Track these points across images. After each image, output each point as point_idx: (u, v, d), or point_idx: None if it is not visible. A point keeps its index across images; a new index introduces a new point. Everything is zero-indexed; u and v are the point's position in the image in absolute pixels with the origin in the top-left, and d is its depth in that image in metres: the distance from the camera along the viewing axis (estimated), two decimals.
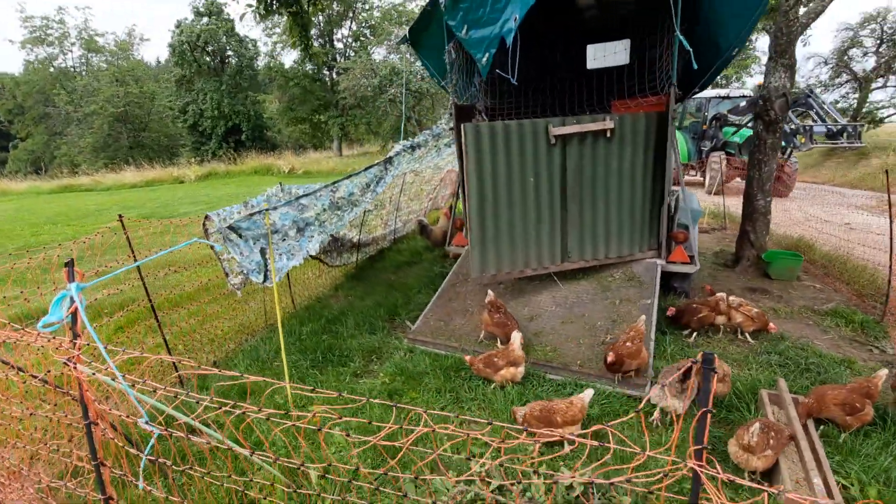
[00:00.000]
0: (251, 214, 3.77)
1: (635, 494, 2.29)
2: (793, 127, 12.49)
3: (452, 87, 5.86)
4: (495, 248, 5.29)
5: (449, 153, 7.10)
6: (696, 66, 4.37)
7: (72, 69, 43.30)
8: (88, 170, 33.42)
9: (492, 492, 2.79)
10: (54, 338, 2.04)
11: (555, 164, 5.12)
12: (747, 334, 4.88)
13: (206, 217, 3.95)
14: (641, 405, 1.36)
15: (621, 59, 5.89)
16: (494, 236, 5.24)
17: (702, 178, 15.36)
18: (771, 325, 4.77)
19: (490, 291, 4.97)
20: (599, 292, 5.25)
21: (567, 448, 3.34)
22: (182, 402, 1.79)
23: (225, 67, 38.43)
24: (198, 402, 1.58)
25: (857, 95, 22.87)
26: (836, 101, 22.91)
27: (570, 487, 2.66)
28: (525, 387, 4.12)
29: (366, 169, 4.93)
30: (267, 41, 43.51)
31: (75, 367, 1.83)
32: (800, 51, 6.59)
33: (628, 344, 3.98)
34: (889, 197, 5.11)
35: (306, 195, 4.23)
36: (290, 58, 42.72)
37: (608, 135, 5.04)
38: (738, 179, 14.64)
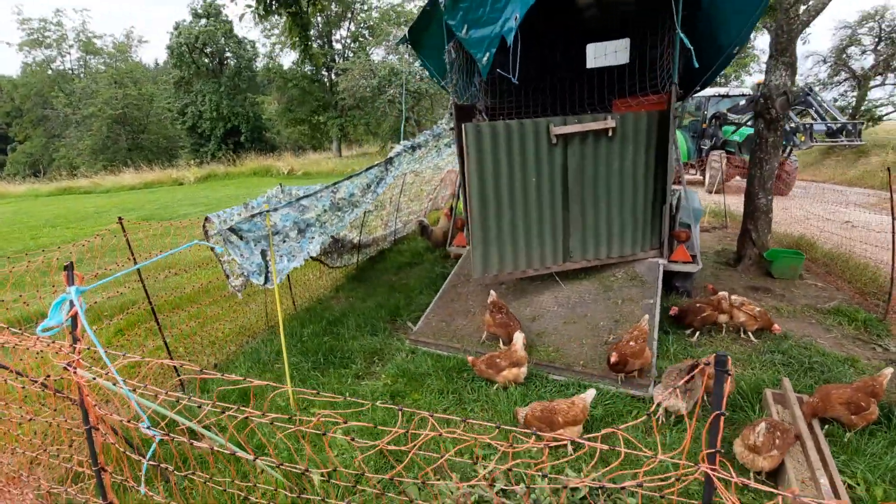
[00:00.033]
0: (252, 216, 3.75)
1: (645, 498, 2.27)
2: (793, 125, 12.48)
3: (452, 86, 5.83)
4: (497, 249, 5.27)
5: (449, 153, 7.08)
6: (697, 65, 4.36)
7: (70, 71, 43.25)
8: (87, 172, 33.37)
9: (497, 493, 2.77)
10: (54, 342, 2.02)
11: (556, 163, 5.10)
12: (750, 333, 4.86)
13: (207, 219, 3.93)
14: (653, 408, 1.34)
15: (621, 58, 5.87)
16: (496, 236, 5.22)
17: (702, 177, 15.36)
18: (775, 325, 4.75)
19: (492, 292, 4.95)
20: (601, 292, 5.23)
21: (570, 449, 3.32)
22: (184, 406, 1.77)
23: (223, 69, 38.40)
24: (200, 407, 1.56)
25: (855, 93, 22.87)
26: (835, 100, 22.93)
27: (575, 489, 2.64)
28: (528, 388, 4.10)
29: (366, 170, 4.91)
30: (265, 42, 43.52)
31: (75, 372, 1.80)
32: (799, 49, 6.61)
33: (632, 343, 3.96)
34: (892, 195, 5.09)
35: (307, 196, 4.21)
36: (288, 59, 42.70)
37: (609, 134, 5.02)
38: (738, 178, 14.64)
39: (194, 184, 26.85)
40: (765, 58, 6.24)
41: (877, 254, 6.28)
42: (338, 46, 37.60)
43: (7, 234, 13.46)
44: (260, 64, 39.66)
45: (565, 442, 1.20)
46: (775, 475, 3.03)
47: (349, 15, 36.91)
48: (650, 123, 5.09)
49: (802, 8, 5.99)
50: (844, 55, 22.67)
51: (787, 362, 4.35)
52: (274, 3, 7.68)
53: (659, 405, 3.49)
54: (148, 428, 1.83)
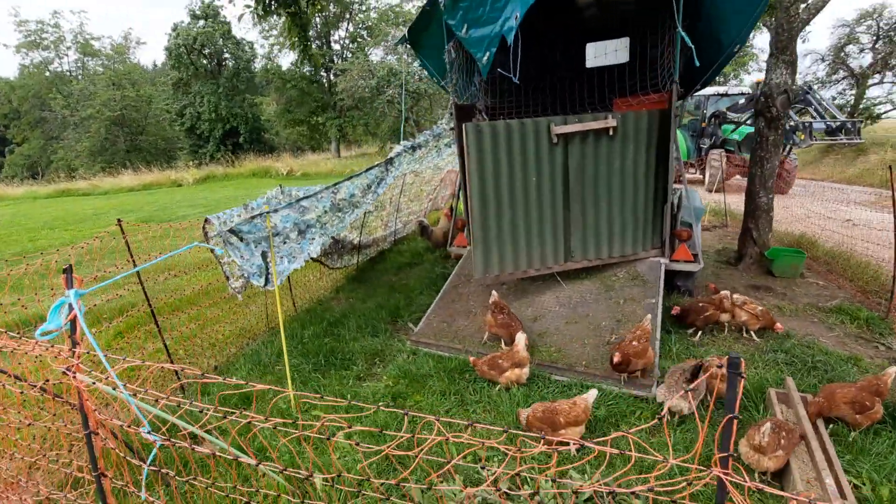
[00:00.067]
0: (252, 217, 3.73)
1: (655, 502, 2.24)
2: (792, 124, 12.48)
3: (452, 86, 5.81)
4: (498, 249, 5.25)
5: (449, 153, 7.06)
6: (698, 64, 4.34)
7: (68, 73, 43.19)
8: (85, 174, 33.28)
9: (501, 495, 2.75)
10: (53, 346, 1.99)
11: (557, 163, 5.09)
12: (752, 332, 4.84)
13: (206, 220, 3.91)
14: (664, 412, 1.32)
15: (621, 57, 5.85)
16: (497, 236, 5.20)
17: (701, 176, 15.35)
18: (777, 324, 4.73)
19: (494, 292, 4.93)
20: (603, 292, 5.21)
21: (573, 449, 3.30)
22: (185, 411, 1.75)
23: (222, 70, 38.35)
24: (202, 412, 1.54)
25: (853, 92, 22.90)
26: (834, 98, 22.95)
27: (579, 491, 2.62)
28: (530, 388, 4.07)
29: (367, 170, 4.89)
30: (264, 43, 43.41)
31: (74, 377, 1.78)
32: (798, 47, 6.62)
33: (634, 343, 3.94)
34: (893, 193, 5.08)
35: (307, 197, 4.18)
36: (287, 60, 42.69)
37: (610, 133, 5.00)
38: (738, 177, 14.63)
39: (193, 185, 26.81)
40: (764, 56, 6.23)
41: (878, 252, 6.26)
42: (336, 47, 37.58)
43: (5, 237, 13.42)
44: (258, 65, 39.62)
45: (576, 446, 1.17)
46: (780, 475, 3.01)
47: (347, 15, 36.88)
48: (651, 122, 5.08)
49: (802, 6, 5.98)
50: (843, 53, 22.70)
51: (790, 361, 4.33)
52: (273, 3, 7.65)
53: (668, 408, 3.45)
54: (149, 433, 1.81)
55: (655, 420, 1.30)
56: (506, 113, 7.05)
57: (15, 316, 4.55)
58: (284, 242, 4.04)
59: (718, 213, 10.66)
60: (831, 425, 3.38)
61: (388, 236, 8.93)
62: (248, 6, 7.66)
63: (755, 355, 4.51)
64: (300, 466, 3.14)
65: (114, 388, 1.81)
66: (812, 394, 3.63)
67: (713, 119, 14.98)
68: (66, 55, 43.04)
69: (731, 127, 14.30)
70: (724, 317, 4.88)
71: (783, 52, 6.14)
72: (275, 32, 35.76)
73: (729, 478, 1.05)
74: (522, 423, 3.47)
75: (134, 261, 4.01)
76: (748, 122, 13.49)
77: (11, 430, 2.60)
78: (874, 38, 21.48)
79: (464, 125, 4.85)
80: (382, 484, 2.56)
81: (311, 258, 5.15)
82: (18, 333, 2.60)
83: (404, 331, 5.55)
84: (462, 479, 2.96)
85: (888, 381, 3.35)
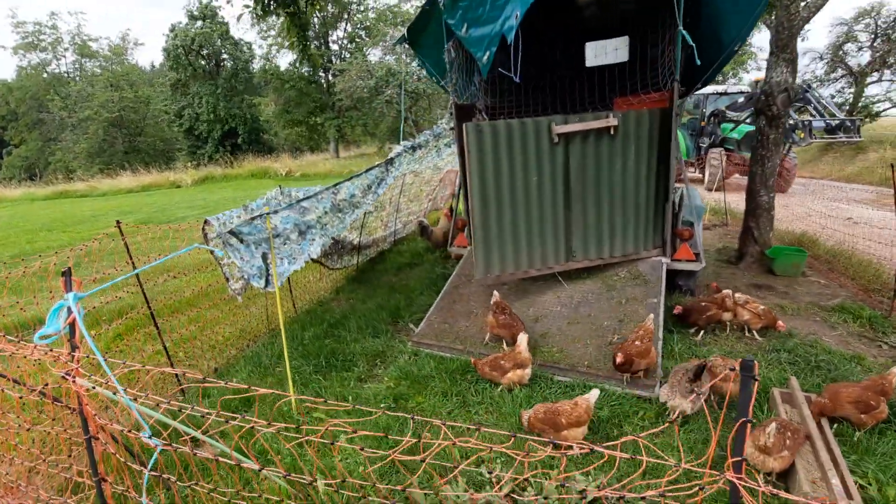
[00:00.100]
0: (252, 219, 3.71)
1: None
2: (791, 122, 12.47)
3: (452, 86, 5.79)
4: (499, 249, 5.22)
5: (449, 153, 7.03)
6: (699, 62, 4.32)
7: (65, 74, 43.11)
8: (84, 175, 33.21)
9: (506, 497, 2.73)
10: (52, 350, 1.97)
11: (558, 162, 5.07)
12: (755, 332, 4.82)
13: (206, 222, 3.88)
14: (675, 416, 1.30)
15: (621, 56, 5.83)
16: (498, 237, 5.18)
17: (701, 175, 15.34)
18: (779, 323, 4.71)
19: (495, 292, 4.91)
20: (605, 292, 5.19)
21: (576, 450, 3.28)
22: (187, 416, 1.72)
23: (220, 71, 38.29)
24: (203, 417, 1.51)
25: (852, 90, 22.90)
26: (832, 96, 22.95)
27: (583, 493, 2.60)
28: (533, 389, 4.05)
29: (367, 170, 4.87)
30: (262, 44, 43.35)
31: (74, 381, 1.76)
32: (797, 46, 6.61)
33: (637, 343, 3.92)
34: None
35: (307, 198, 4.16)
36: (285, 60, 42.63)
37: (611, 132, 4.98)
38: (738, 175, 14.63)
39: (192, 186, 26.76)
40: (762, 55, 6.24)
41: (880, 250, 6.25)
42: (334, 47, 37.54)
43: (3, 239, 13.37)
44: (257, 65, 39.57)
45: (585, 450, 1.15)
46: (785, 476, 2.99)
47: (345, 16, 36.84)
48: (652, 121, 5.05)
49: (802, 4, 5.96)
50: (841, 52, 22.69)
51: (793, 361, 4.31)
52: (272, 2, 7.62)
53: (675, 411, 3.43)
54: (150, 437, 1.79)
55: (666, 424, 1.27)
56: (506, 112, 7.03)
57: (14, 318, 4.51)
58: (285, 244, 4.02)
59: (718, 212, 10.65)
60: (835, 425, 3.37)
61: (387, 237, 8.91)
62: (247, 6, 7.63)
63: (758, 355, 4.49)
64: (302, 469, 3.12)
65: (114, 393, 1.79)
66: (816, 393, 3.61)
67: (712, 118, 14.97)
68: (64, 56, 43.03)
69: (731, 125, 14.28)
70: (726, 316, 4.86)
71: (783, 50, 6.13)
72: (273, 33, 35.69)
73: (742, 482, 1.03)
74: (524, 424, 3.46)
75: (133, 263, 3.98)
76: (747, 120, 13.48)
77: (11, 434, 2.57)
78: (872, 36, 21.48)
79: (464, 125, 4.83)
80: (387, 489, 2.54)
81: (311, 259, 5.13)
82: (17, 337, 2.58)
83: (405, 332, 5.52)
84: (465, 481, 2.94)
85: (893, 380, 3.33)
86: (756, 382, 1.08)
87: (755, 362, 1.07)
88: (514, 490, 2.67)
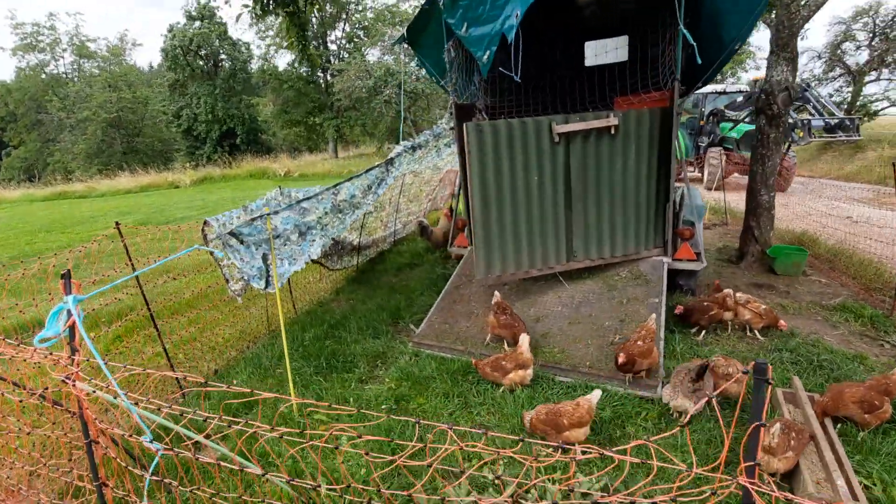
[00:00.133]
0: (252, 219, 3.68)
1: None
2: (791, 121, 12.47)
3: (452, 86, 5.77)
4: (500, 249, 5.21)
5: (448, 153, 7.01)
6: (700, 61, 4.31)
7: (64, 75, 43.03)
8: (82, 176, 33.12)
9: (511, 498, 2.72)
10: (51, 353, 1.95)
11: (558, 162, 5.05)
12: (756, 331, 4.81)
13: (206, 223, 3.86)
14: (686, 419, 1.28)
15: (621, 55, 5.83)
16: (499, 237, 5.16)
17: (700, 174, 15.34)
18: (781, 322, 4.70)
19: (497, 293, 4.90)
20: (606, 292, 5.18)
21: (578, 451, 3.27)
22: (188, 419, 1.71)
23: (218, 71, 38.23)
24: (206, 421, 1.50)
25: (850, 89, 22.93)
26: (831, 95, 22.98)
27: (588, 495, 2.59)
28: (535, 390, 4.04)
29: (367, 171, 4.84)
30: (260, 44, 43.35)
31: (74, 385, 1.74)
32: (797, 45, 6.61)
33: (639, 343, 3.91)
34: None
35: (307, 198, 4.14)
36: (283, 60, 42.58)
37: (612, 132, 4.96)
38: (737, 175, 14.63)
39: (190, 187, 26.70)
40: (761, 54, 6.24)
41: (881, 249, 6.25)
42: (333, 47, 37.49)
43: (2, 240, 13.33)
44: (255, 66, 39.51)
45: (595, 455, 1.13)
46: (790, 477, 2.98)
47: (344, 15, 36.79)
48: (653, 120, 5.04)
49: (803, 2, 5.95)
50: (839, 51, 22.72)
51: (795, 360, 4.30)
52: (271, 2, 7.59)
53: (686, 415, 3.42)
54: (151, 442, 1.77)
55: (678, 429, 1.26)
56: (506, 112, 7.01)
57: (13, 321, 4.49)
58: (285, 244, 4.00)
59: (718, 212, 10.64)
60: (839, 425, 3.36)
61: (387, 237, 8.88)
62: (246, 5, 7.60)
63: (759, 354, 4.49)
64: (304, 472, 3.10)
65: (115, 397, 1.77)
66: (819, 393, 3.60)
67: (711, 117, 14.96)
68: (62, 57, 42.95)
69: (730, 125, 14.28)
70: (728, 315, 4.85)
71: (784, 49, 6.12)
72: (271, 33, 35.65)
73: (755, 487, 1.01)
74: (526, 425, 3.44)
75: (133, 265, 3.96)
76: (746, 119, 13.48)
77: (11, 437, 2.55)
78: (870, 35, 21.50)
79: (465, 125, 4.81)
80: (394, 495, 2.52)
81: (311, 260, 5.10)
82: (16, 339, 2.56)
83: (406, 332, 5.51)
84: (467, 482, 2.93)
85: None
86: (770, 386, 1.06)
87: (768, 365, 1.06)
88: (516, 493, 2.65)
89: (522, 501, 1.93)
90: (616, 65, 6.20)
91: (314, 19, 34.07)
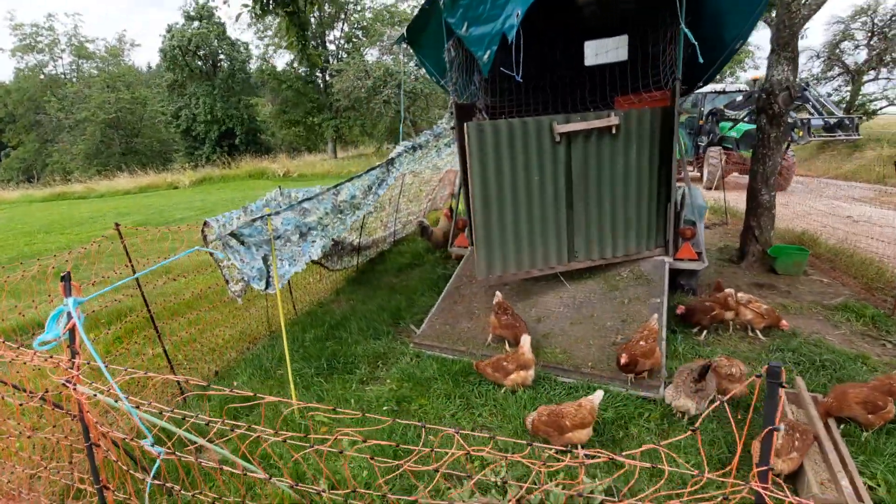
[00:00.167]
0: (253, 220, 3.66)
1: None
2: (790, 121, 12.46)
3: (452, 85, 5.76)
4: (501, 249, 5.19)
5: (448, 153, 7.00)
6: (701, 60, 4.30)
7: (62, 76, 42.96)
8: (81, 177, 33.05)
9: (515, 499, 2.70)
10: (52, 356, 1.93)
11: (560, 162, 5.04)
12: (758, 331, 4.80)
13: (205, 223, 3.84)
14: (698, 423, 1.27)
15: (620, 54, 5.81)
16: (499, 237, 5.15)
17: (699, 174, 15.34)
18: (783, 322, 4.69)
19: (498, 293, 4.88)
20: (607, 292, 5.17)
21: (581, 453, 3.25)
22: (188, 418, 1.69)
23: (217, 71, 38.19)
24: (208, 425, 1.48)
25: (849, 88, 22.96)
26: (829, 94, 23.00)
27: (592, 498, 2.57)
28: (537, 390, 4.02)
29: (368, 171, 4.83)
30: (259, 44, 43.29)
31: (75, 389, 1.72)
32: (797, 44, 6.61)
33: (642, 343, 3.90)
34: None
35: (308, 199, 4.12)
36: (282, 60, 42.54)
37: (613, 131, 4.95)
38: (736, 174, 14.62)
39: (189, 187, 26.66)
40: (759, 53, 6.23)
41: (881, 248, 6.24)
42: (331, 47, 37.48)
43: (1, 241, 13.28)
44: (254, 66, 39.48)
45: (603, 459, 1.12)
46: (794, 477, 2.97)
47: (342, 16, 36.77)
48: (654, 120, 5.03)
49: (804, 1, 5.94)
50: (838, 50, 22.75)
51: (797, 360, 4.29)
52: (271, 2, 7.57)
53: (698, 419, 3.39)
54: (152, 445, 1.75)
55: (689, 433, 1.24)
56: (506, 112, 7.00)
57: (12, 322, 4.47)
58: (286, 245, 3.98)
59: (718, 211, 10.63)
60: (842, 425, 3.35)
61: (387, 237, 8.87)
62: (246, 5, 7.59)
63: (762, 354, 4.48)
64: (306, 473, 3.09)
65: (116, 401, 1.75)
66: (822, 393, 3.59)
67: (710, 116, 14.96)
68: (61, 58, 42.87)
69: (729, 124, 14.28)
70: (729, 315, 4.84)
71: (784, 48, 6.11)
72: (270, 33, 35.63)
73: (768, 492, 1.00)
74: (528, 427, 3.42)
75: (133, 266, 3.94)
76: (745, 119, 13.47)
77: (12, 440, 2.53)
78: (869, 34, 21.54)
79: (466, 124, 4.79)
80: (398, 499, 2.50)
81: (311, 260, 5.09)
82: (16, 341, 2.53)
83: (406, 333, 5.49)
84: (467, 482, 2.91)
85: None
86: (783, 389, 1.05)
87: (782, 368, 1.04)
88: (523, 497, 2.64)
89: (510, 491, 1.91)
90: (617, 64, 6.19)
91: (312, 19, 34.05)
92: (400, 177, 7.82)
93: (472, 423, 3.76)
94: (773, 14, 6.41)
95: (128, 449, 2.63)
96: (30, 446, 2.65)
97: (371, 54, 33.95)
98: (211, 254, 3.92)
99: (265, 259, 3.79)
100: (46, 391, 2.06)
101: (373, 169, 4.92)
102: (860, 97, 22.69)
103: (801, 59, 23.24)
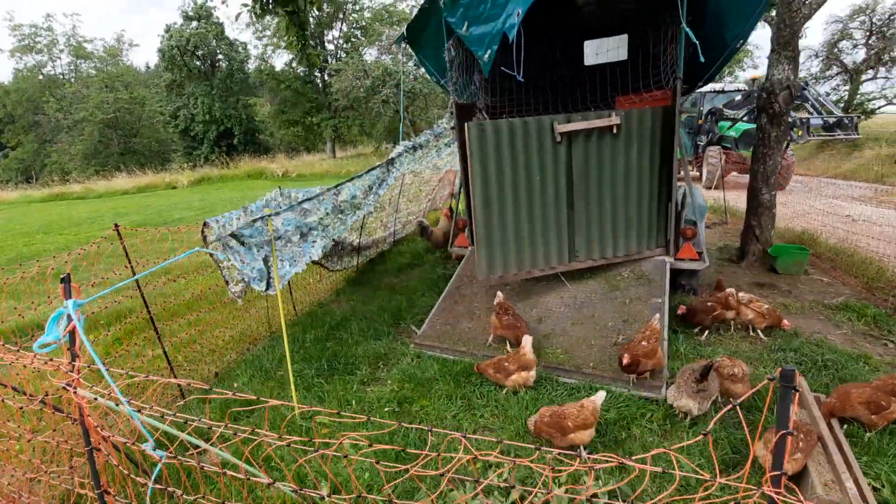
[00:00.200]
0: (253, 221, 3.65)
1: None
2: (789, 120, 12.46)
3: (452, 85, 5.74)
4: (501, 249, 5.18)
5: (448, 153, 6.99)
6: (703, 59, 4.29)
7: (61, 76, 42.85)
8: (80, 177, 32.97)
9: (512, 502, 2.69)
10: (52, 359, 1.91)
11: (560, 161, 5.02)
12: (759, 331, 4.80)
13: (205, 224, 3.82)
14: (710, 426, 1.25)
15: (621, 54, 5.80)
16: (500, 237, 5.13)
17: (698, 173, 15.34)
18: (784, 321, 4.69)
19: (499, 293, 4.87)
20: (608, 292, 5.16)
21: (583, 454, 3.24)
22: (190, 421, 1.67)
23: (215, 71, 38.14)
24: (210, 429, 1.46)
25: (847, 87, 22.98)
26: (828, 93, 23.02)
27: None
28: (538, 391, 4.01)
29: (368, 171, 4.81)
30: (257, 44, 43.21)
31: (75, 392, 1.70)
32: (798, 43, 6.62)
33: (644, 343, 3.89)
34: None
35: (308, 199, 4.10)
36: (281, 60, 42.50)
37: (614, 131, 4.94)
38: (735, 173, 14.62)
39: (188, 187, 26.61)
40: (758, 52, 6.21)
41: (882, 248, 6.24)
42: (330, 47, 37.44)
43: (1, 242, 13.24)
44: (252, 66, 39.42)
45: (612, 464, 1.11)
46: (797, 478, 2.96)
47: (341, 15, 36.74)
48: (655, 120, 5.02)
49: (804, 1, 5.93)
50: (836, 49, 22.77)
51: (799, 360, 4.28)
52: (271, 1, 7.54)
53: (699, 418, 3.39)
54: (153, 450, 1.73)
55: (700, 437, 1.23)
56: (506, 112, 6.99)
57: (12, 324, 4.45)
58: (286, 245, 3.96)
59: (717, 211, 10.63)
60: (845, 426, 3.34)
61: (387, 237, 8.85)
62: (246, 5, 7.55)
63: (764, 354, 4.47)
64: (308, 475, 3.07)
65: (117, 405, 1.73)
66: (824, 393, 3.58)
67: (710, 116, 14.95)
68: (59, 58, 42.77)
69: (728, 124, 14.28)
70: (730, 315, 4.83)
71: (785, 47, 6.10)
72: (268, 33, 35.58)
73: (781, 497, 0.99)
74: (531, 429, 3.41)
75: (133, 267, 3.92)
76: (745, 118, 13.47)
77: (11, 443, 2.51)
78: (867, 33, 21.56)
79: (466, 124, 4.78)
80: None
81: (311, 261, 5.07)
82: (16, 343, 2.51)
83: (407, 333, 5.48)
84: (471, 485, 2.89)
85: None
86: (797, 394, 1.04)
87: (795, 371, 1.03)
88: (521, 496, 2.63)
89: (512, 493, 1.89)
90: (617, 64, 6.18)
91: (311, 19, 34.01)
92: (400, 177, 7.80)
93: (474, 425, 3.74)
94: (774, 13, 6.40)
95: (129, 453, 2.61)
96: (30, 449, 2.63)
97: (370, 54, 33.93)
98: (211, 254, 3.90)
99: (266, 260, 3.77)
100: (46, 394, 2.05)
101: (373, 169, 4.90)
102: (858, 96, 22.71)
103: (800, 59, 23.32)
